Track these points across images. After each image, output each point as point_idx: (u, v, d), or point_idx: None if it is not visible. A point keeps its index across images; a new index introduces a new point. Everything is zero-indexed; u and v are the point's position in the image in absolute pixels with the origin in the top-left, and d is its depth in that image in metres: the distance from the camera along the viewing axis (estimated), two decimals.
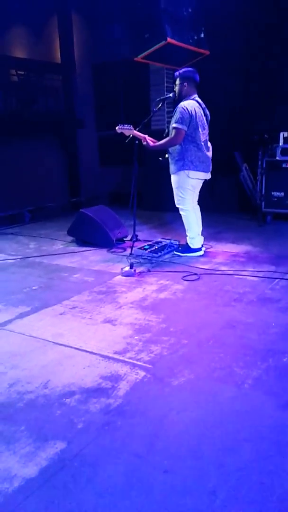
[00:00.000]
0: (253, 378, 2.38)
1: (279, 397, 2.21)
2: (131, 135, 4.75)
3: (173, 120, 4.54)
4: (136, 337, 2.91)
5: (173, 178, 4.74)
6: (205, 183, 4.85)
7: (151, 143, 4.71)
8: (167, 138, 4.61)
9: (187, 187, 4.66)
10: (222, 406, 2.15)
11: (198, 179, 4.68)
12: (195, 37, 5.68)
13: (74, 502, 1.62)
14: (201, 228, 4.86)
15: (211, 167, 4.73)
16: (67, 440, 1.94)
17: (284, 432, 1.95)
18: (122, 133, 4.75)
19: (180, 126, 4.43)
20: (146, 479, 1.71)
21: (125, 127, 4.70)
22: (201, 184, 4.78)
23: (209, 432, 1.97)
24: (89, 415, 2.11)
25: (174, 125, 4.47)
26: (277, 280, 3.92)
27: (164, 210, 7.02)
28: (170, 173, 4.76)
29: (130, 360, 2.61)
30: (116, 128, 4.71)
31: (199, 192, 4.83)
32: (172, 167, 4.70)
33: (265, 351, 2.67)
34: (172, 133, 4.52)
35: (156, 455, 1.84)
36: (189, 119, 4.43)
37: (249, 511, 1.55)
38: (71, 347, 2.81)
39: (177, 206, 4.82)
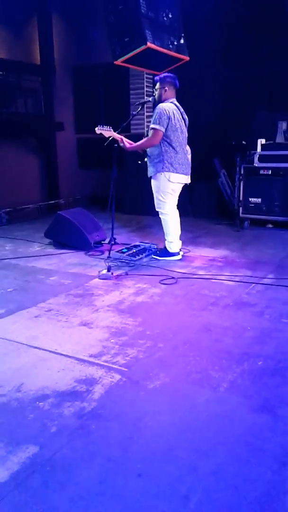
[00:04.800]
0: (228, 381, 2.39)
1: (254, 400, 2.21)
2: (110, 137, 4.74)
3: (151, 121, 4.55)
4: (112, 340, 2.89)
5: (153, 182, 4.74)
6: (184, 188, 4.87)
7: (127, 145, 4.72)
8: (145, 139, 4.64)
9: (167, 191, 4.67)
10: (197, 410, 2.15)
11: (179, 183, 4.69)
12: (175, 43, 5.69)
13: (46, 507, 1.59)
14: (179, 233, 4.87)
15: (190, 170, 4.76)
16: (40, 444, 1.90)
17: (259, 435, 1.96)
18: (101, 135, 4.74)
19: (157, 127, 4.45)
20: (120, 483, 1.69)
21: (104, 128, 4.69)
22: (181, 188, 4.79)
23: (183, 436, 1.96)
24: (63, 419, 2.07)
25: (151, 125, 4.50)
26: (253, 285, 3.95)
27: (143, 214, 7.04)
28: (149, 176, 4.76)
29: (106, 364, 2.59)
30: (96, 128, 4.70)
31: (178, 197, 4.85)
32: (151, 169, 4.70)
33: (241, 355, 2.68)
34: (150, 134, 4.54)
35: (130, 459, 1.82)
36: (167, 120, 4.45)
37: None
38: (45, 350, 2.77)
39: (157, 210, 4.83)
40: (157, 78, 4.67)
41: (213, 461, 1.80)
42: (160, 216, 4.84)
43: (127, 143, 4.73)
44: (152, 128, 4.49)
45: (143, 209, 6.91)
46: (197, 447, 1.88)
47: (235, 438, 1.94)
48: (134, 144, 4.72)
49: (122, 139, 4.72)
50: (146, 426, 2.03)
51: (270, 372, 2.47)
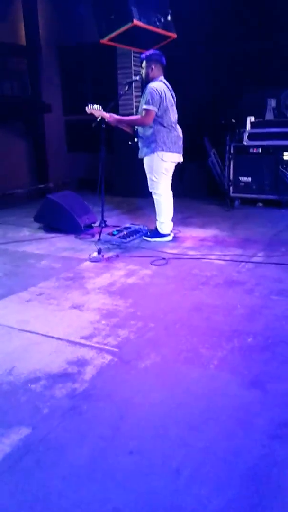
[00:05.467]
0: (218, 358, 2.41)
1: (244, 376, 2.24)
2: (99, 118, 4.67)
3: (142, 101, 4.49)
4: (103, 322, 2.90)
5: (146, 162, 4.69)
6: (175, 168, 4.83)
7: (116, 116, 4.64)
8: (137, 116, 4.58)
9: (161, 171, 4.62)
10: (188, 387, 2.17)
11: (172, 161, 4.65)
12: (162, 20, 5.59)
13: (39, 486, 1.61)
14: (172, 214, 4.85)
15: (182, 148, 4.72)
16: (32, 425, 1.92)
17: (248, 410, 1.99)
18: (89, 117, 4.67)
19: (150, 107, 4.39)
20: (112, 461, 1.72)
21: (94, 107, 4.62)
22: (174, 168, 4.76)
23: (174, 413, 1.98)
24: (55, 400, 2.09)
25: (144, 106, 4.43)
26: (243, 263, 3.96)
27: (134, 196, 6.99)
28: (141, 157, 4.71)
29: (97, 345, 2.60)
30: (86, 108, 4.63)
31: None
32: (144, 150, 4.65)
33: (231, 332, 2.70)
34: (143, 114, 4.47)
35: (121, 437, 1.84)
36: (159, 100, 4.40)
37: (212, 488, 1.58)
38: (37, 333, 2.77)
39: (150, 190, 4.79)
40: (142, 55, 4.59)
41: (203, 437, 1.83)
42: (153, 196, 4.81)
43: (115, 115, 4.65)
44: (145, 109, 4.43)
45: (134, 191, 6.87)
46: (188, 423, 1.91)
47: (225, 413, 1.97)
48: (125, 118, 4.65)
49: (110, 115, 4.64)
50: (137, 404, 2.05)
51: (259, 349, 2.50)
